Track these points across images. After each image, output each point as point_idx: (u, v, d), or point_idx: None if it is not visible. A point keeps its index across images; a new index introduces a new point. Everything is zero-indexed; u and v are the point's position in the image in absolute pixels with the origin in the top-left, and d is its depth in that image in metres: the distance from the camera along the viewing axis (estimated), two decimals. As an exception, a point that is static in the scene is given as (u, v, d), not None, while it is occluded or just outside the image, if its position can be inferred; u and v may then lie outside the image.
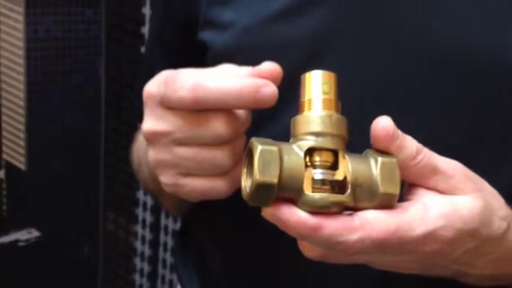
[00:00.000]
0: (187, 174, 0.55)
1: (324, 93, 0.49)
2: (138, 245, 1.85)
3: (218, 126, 0.53)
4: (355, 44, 0.61)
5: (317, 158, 0.47)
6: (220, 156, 0.54)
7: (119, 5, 1.61)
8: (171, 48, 0.77)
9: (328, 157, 0.47)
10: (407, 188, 0.51)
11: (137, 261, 1.86)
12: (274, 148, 0.45)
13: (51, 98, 1.58)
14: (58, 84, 1.59)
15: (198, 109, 0.53)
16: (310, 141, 0.47)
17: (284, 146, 0.46)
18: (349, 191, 0.46)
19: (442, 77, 0.59)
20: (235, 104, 0.53)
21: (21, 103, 1.54)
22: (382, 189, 0.46)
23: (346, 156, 0.47)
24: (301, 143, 0.47)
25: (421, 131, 0.52)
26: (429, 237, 0.47)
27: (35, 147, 1.60)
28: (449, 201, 0.49)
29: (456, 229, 0.48)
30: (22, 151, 1.58)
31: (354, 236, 0.45)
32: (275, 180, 0.44)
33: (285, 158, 0.45)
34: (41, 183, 1.63)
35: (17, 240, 1.63)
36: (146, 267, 1.85)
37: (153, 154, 0.56)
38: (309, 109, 0.48)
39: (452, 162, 0.50)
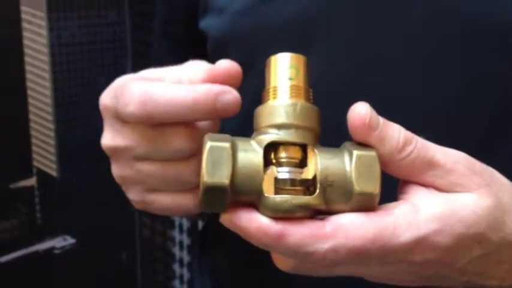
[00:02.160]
0: (154, 190, 0.51)
1: (291, 79, 0.43)
2: (176, 250, 1.82)
3: (178, 140, 0.48)
4: (356, 23, 0.56)
5: (282, 155, 0.41)
6: (185, 171, 0.49)
7: (143, 5, 1.60)
8: (178, 42, 0.76)
9: (295, 153, 0.41)
10: (400, 185, 0.45)
11: (176, 267, 1.84)
12: (226, 144, 0.39)
13: (78, 102, 1.57)
14: (85, 88, 1.58)
15: (153, 124, 0.47)
16: (271, 135, 0.41)
17: (241, 141, 0.41)
18: (317, 191, 0.40)
19: (454, 52, 0.53)
20: (191, 117, 0.47)
21: (49, 109, 1.53)
22: (357, 188, 0.40)
23: (316, 151, 0.41)
24: (261, 137, 0.41)
25: (431, 123, 0.47)
26: (419, 244, 0.40)
27: (66, 153, 1.59)
28: (446, 200, 0.42)
29: (454, 234, 0.41)
30: (53, 158, 1.57)
31: (325, 245, 0.39)
32: (226, 181, 0.39)
33: (240, 155, 0.40)
34: (73, 189, 1.63)
35: (52, 248, 1.63)
36: (186, 273, 1.82)
37: (116, 171, 0.52)
38: (274, 98, 0.43)
39: (454, 154, 0.44)
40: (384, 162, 0.42)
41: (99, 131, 1.75)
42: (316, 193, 0.40)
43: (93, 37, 1.55)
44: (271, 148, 0.42)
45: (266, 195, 0.40)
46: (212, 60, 0.64)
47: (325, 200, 0.41)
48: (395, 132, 0.42)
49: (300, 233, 0.39)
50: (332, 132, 0.44)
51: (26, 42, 1.48)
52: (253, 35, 0.60)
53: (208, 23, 0.65)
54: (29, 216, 1.58)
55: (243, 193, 0.40)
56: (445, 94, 0.54)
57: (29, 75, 1.51)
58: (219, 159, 0.39)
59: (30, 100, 1.53)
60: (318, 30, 0.57)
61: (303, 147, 0.42)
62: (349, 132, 0.42)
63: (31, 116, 1.54)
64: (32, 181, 1.58)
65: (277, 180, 0.41)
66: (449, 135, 0.47)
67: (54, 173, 1.60)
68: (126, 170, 0.51)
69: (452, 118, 0.54)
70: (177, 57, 0.74)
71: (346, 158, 0.41)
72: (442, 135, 0.45)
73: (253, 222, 0.40)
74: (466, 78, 0.53)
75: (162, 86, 0.47)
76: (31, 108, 1.54)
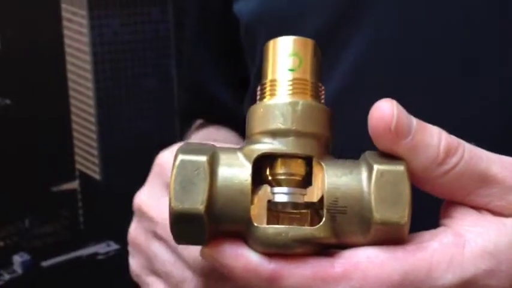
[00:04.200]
0: (155, 273, 0.45)
1: (292, 70, 0.34)
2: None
3: None
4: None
5: (280, 170, 0.32)
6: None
7: (187, 2, 1.54)
8: (212, 31, 0.71)
9: (296, 168, 0.32)
10: (443, 206, 0.35)
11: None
12: (202, 158, 0.31)
13: (121, 103, 1.53)
14: (128, 89, 1.53)
15: None
16: (264, 145, 0.32)
17: (225, 154, 0.32)
18: (323, 219, 0.31)
19: None
20: None
21: (92, 111, 1.49)
22: (377, 215, 0.31)
23: (324, 166, 0.32)
24: (251, 147, 0.32)
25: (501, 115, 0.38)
26: None
27: (109, 155, 1.55)
28: (504, 229, 0.33)
29: None
30: (96, 160, 1.53)
31: None
32: (200, 207, 0.30)
33: (222, 172, 0.31)
34: (117, 193, 1.58)
35: (95, 254, 1.59)
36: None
37: (132, 229, 0.47)
38: (271, 95, 0.33)
39: None
40: (418, 178, 0.32)
41: (142, 134, 1.70)
42: (322, 222, 0.31)
43: (135, 36, 1.49)
44: (266, 162, 0.33)
45: (256, 224, 0.31)
46: (245, 45, 0.61)
47: (334, 231, 0.31)
48: (433, 139, 0.32)
49: (300, 274, 0.30)
50: None
51: (66, 41, 1.44)
52: (284, 16, 0.54)
53: (240, 7, 0.60)
54: (72, 221, 1.54)
55: (226, 222, 0.31)
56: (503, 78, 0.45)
57: (70, 76, 1.47)
58: (192, 178, 0.31)
59: (72, 101, 1.49)
60: (354, 10, 0.50)
61: (308, 161, 0.33)
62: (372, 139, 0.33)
63: (73, 117, 1.50)
64: (74, 184, 1.54)
65: (271, 204, 0.32)
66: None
67: (97, 176, 1.56)
68: (140, 236, 0.46)
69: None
70: (211, 48, 0.71)
71: (364, 174, 0.32)
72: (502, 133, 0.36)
73: (240, 260, 0.31)
74: None
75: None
76: (73, 109, 1.50)
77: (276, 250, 0.31)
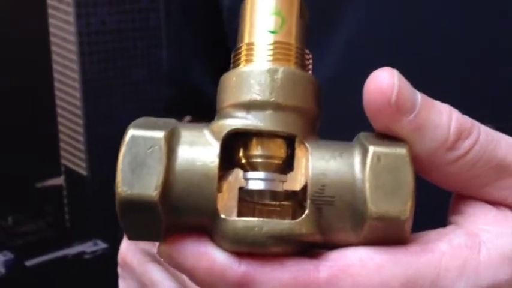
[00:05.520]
0: None
1: (273, 32, 0.29)
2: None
3: None
4: None
5: (255, 151, 0.28)
6: None
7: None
8: (197, 18, 0.69)
9: (275, 149, 0.28)
10: (453, 201, 0.30)
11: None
12: (158, 134, 0.26)
13: (109, 96, 1.49)
14: (117, 81, 1.49)
15: None
16: (235, 120, 0.28)
17: (188, 130, 0.27)
18: (306, 211, 0.26)
19: None
20: None
21: (78, 103, 1.47)
22: (372, 208, 0.26)
23: (309, 147, 0.27)
24: (220, 123, 0.28)
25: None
26: None
27: (96, 150, 1.52)
28: None
29: None
30: (82, 155, 1.51)
31: None
32: (154, 194, 0.26)
33: (182, 151, 0.27)
34: (104, 189, 1.54)
35: (82, 253, 1.55)
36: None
37: (123, 247, 0.43)
38: (247, 61, 0.29)
39: None
40: (423, 166, 0.27)
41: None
42: (304, 215, 0.26)
43: (125, 25, 1.45)
44: (239, 141, 0.28)
45: (223, 216, 0.26)
46: (228, 31, 0.58)
47: (319, 226, 0.26)
48: (442, 117, 0.27)
49: (276, 279, 0.25)
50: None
51: (52, 30, 1.40)
52: None
53: None
54: (57, 218, 1.51)
55: (187, 213, 0.26)
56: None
57: (55, 66, 1.43)
58: (145, 158, 0.26)
59: (57, 93, 1.46)
60: None
61: (289, 141, 0.28)
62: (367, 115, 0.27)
63: (58, 110, 1.47)
64: (59, 180, 1.51)
65: (244, 193, 0.27)
66: None
67: (83, 172, 1.52)
68: (134, 259, 0.42)
69: None
70: (195, 37, 0.68)
71: (357, 158, 0.27)
72: None
73: (203, 260, 0.26)
74: None
75: None
76: (58, 102, 1.46)
77: (248, 249, 0.26)
